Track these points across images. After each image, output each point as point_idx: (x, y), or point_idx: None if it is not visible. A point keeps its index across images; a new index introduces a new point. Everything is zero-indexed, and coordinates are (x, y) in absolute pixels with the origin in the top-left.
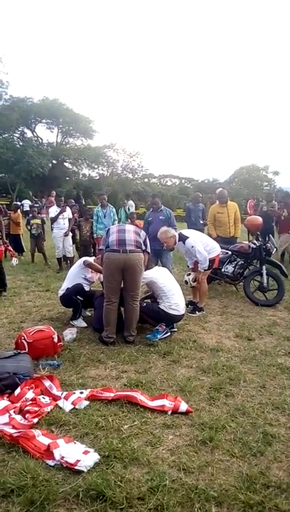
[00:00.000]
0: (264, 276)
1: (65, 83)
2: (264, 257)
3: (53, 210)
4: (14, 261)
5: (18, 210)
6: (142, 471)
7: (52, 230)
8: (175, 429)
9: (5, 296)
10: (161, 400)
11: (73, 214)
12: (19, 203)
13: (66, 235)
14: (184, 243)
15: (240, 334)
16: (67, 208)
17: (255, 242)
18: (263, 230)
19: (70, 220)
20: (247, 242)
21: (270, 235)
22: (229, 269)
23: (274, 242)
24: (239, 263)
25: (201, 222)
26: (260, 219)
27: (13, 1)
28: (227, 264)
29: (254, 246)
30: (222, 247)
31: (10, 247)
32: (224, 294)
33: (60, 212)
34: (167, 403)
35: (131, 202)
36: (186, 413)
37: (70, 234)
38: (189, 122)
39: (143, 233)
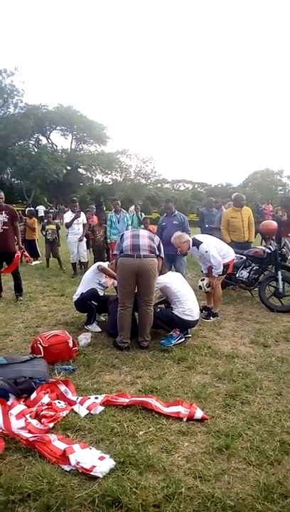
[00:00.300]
0: (280, 282)
1: (79, 90)
2: (280, 262)
3: (68, 216)
4: (34, 262)
5: (33, 216)
6: (158, 478)
7: (67, 235)
8: (190, 436)
9: (21, 300)
10: (176, 407)
11: (88, 219)
12: (34, 209)
13: (80, 240)
14: (198, 248)
15: (256, 340)
16: (82, 214)
17: (270, 247)
18: (278, 234)
19: (84, 225)
20: (262, 247)
21: (286, 240)
22: (243, 274)
23: None
24: (254, 268)
25: (206, 226)
26: (275, 223)
27: (28, 11)
28: (242, 269)
29: (269, 251)
30: (236, 252)
31: (26, 253)
32: (239, 300)
33: (75, 218)
34: (182, 410)
35: (132, 208)
36: (202, 420)
37: (85, 239)
38: (202, 127)
39: (157, 238)
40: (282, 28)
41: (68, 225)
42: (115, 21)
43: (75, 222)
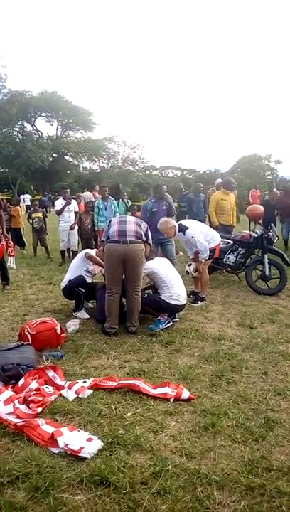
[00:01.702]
0: (266, 265)
1: (64, 75)
2: (266, 245)
3: (59, 203)
4: (11, 262)
5: (18, 204)
6: (145, 456)
7: (58, 222)
8: (177, 416)
9: (8, 289)
10: (164, 388)
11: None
12: (20, 198)
13: (72, 228)
14: (184, 233)
15: (242, 323)
16: (73, 201)
17: (256, 231)
18: (264, 219)
19: (75, 213)
20: (249, 232)
21: (272, 224)
22: (231, 258)
23: (276, 230)
24: (241, 252)
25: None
26: (261, 208)
27: None
28: (229, 253)
29: (256, 235)
30: (223, 237)
31: (10, 243)
32: (226, 284)
33: (66, 205)
34: (169, 391)
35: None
36: (188, 400)
37: (76, 227)
38: (190, 113)
39: (144, 224)
40: (271, 16)
41: (59, 213)
42: (100, 3)
43: (66, 209)
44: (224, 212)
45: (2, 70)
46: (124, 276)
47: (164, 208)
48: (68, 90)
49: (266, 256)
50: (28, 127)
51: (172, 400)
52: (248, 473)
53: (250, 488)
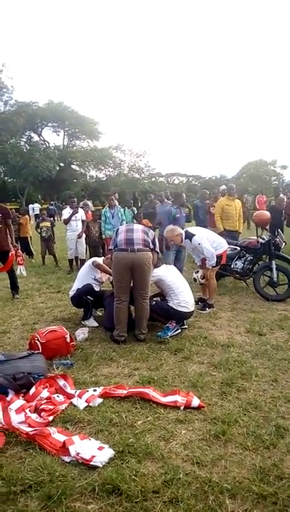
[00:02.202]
0: (274, 271)
1: (69, 86)
2: (274, 251)
3: (66, 212)
4: (21, 270)
5: (27, 214)
6: (156, 465)
7: (66, 231)
8: (187, 424)
9: (17, 298)
10: (173, 396)
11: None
12: (29, 207)
13: (79, 236)
14: (191, 241)
15: (251, 329)
16: (80, 210)
17: (264, 237)
18: (272, 224)
19: (83, 221)
20: (256, 238)
21: (279, 230)
22: (238, 265)
23: (283, 236)
24: (249, 259)
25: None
26: (268, 214)
27: (15, 6)
28: (237, 260)
29: (263, 241)
30: (230, 243)
31: (20, 252)
32: (234, 290)
33: (73, 214)
34: (179, 399)
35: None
36: (198, 408)
37: (84, 235)
38: (195, 120)
39: (151, 232)
40: (274, 19)
41: (66, 221)
42: (104, 14)
43: (73, 218)
44: (230, 218)
45: (9, 81)
46: (132, 284)
47: (184, 214)
48: (74, 100)
49: (273, 262)
50: (35, 137)
51: (182, 408)
52: (260, 482)
53: (262, 496)
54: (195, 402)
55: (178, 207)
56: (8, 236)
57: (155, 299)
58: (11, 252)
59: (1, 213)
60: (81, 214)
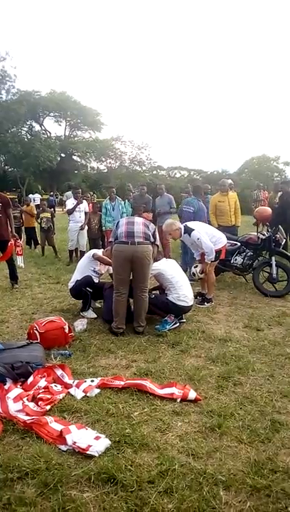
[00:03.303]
0: (274, 267)
1: (72, 75)
2: (274, 247)
3: (70, 203)
4: (20, 261)
5: (31, 203)
6: (152, 456)
7: (69, 222)
8: (184, 416)
9: (16, 288)
10: (170, 388)
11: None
12: (31, 196)
13: (82, 228)
14: (189, 235)
15: (249, 325)
16: (84, 201)
17: (264, 232)
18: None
19: (86, 213)
20: (256, 233)
21: (280, 226)
22: (238, 260)
23: (284, 232)
24: (248, 254)
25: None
26: (269, 210)
27: None
28: (236, 255)
29: (263, 237)
30: (230, 238)
31: (19, 242)
32: (233, 286)
33: (77, 204)
34: (176, 391)
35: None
36: (195, 401)
37: (86, 227)
38: (198, 113)
39: (152, 226)
40: (277, 16)
41: (70, 212)
42: (108, 4)
43: (77, 209)
44: (223, 214)
45: (12, 70)
46: (131, 277)
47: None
48: (77, 90)
49: (273, 258)
50: (37, 127)
51: (179, 400)
52: (254, 474)
53: (256, 489)
54: (192, 394)
55: (197, 199)
56: (8, 226)
57: (154, 292)
58: (10, 242)
59: (1, 203)
60: (84, 205)
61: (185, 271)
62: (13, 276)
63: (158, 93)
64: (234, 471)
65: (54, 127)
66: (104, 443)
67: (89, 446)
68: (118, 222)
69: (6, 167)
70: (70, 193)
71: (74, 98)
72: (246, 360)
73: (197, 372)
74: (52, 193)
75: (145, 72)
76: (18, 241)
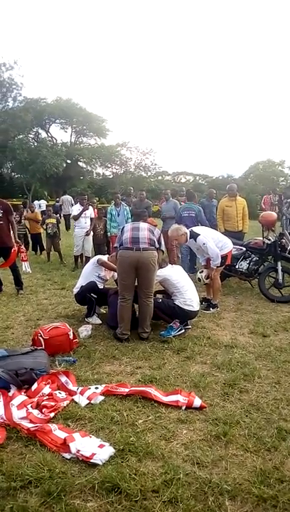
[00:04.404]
0: (280, 273)
1: (78, 83)
2: (279, 253)
3: (76, 209)
4: (25, 266)
5: (36, 210)
6: (156, 464)
7: (74, 228)
8: (189, 424)
9: (22, 294)
10: (175, 396)
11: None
12: (37, 203)
13: (87, 234)
14: (195, 240)
15: (255, 331)
16: (90, 207)
17: (270, 238)
18: None
19: (91, 219)
20: (262, 239)
21: (286, 231)
22: (243, 265)
23: (289, 237)
24: (254, 259)
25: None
26: (275, 214)
27: (26, 4)
28: (242, 260)
29: (269, 242)
30: (235, 243)
31: (23, 248)
32: (238, 291)
33: (83, 211)
34: (181, 398)
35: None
36: (200, 408)
37: (92, 233)
38: (203, 118)
39: (157, 231)
40: (281, 19)
41: (76, 218)
42: (113, 12)
43: (82, 215)
44: (230, 219)
45: (19, 78)
46: (136, 283)
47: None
48: (82, 97)
49: (279, 263)
50: (43, 134)
51: (183, 407)
52: (260, 484)
53: (262, 499)
54: (197, 402)
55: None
56: (11, 232)
57: (159, 295)
58: (13, 249)
59: (2, 209)
60: (90, 211)
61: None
62: (18, 282)
63: (163, 99)
64: (239, 481)
65: (60, 134)
66: (108, 451)
67: (93, 454)
68: (123, 228)
69: (13, 173)
70: (66, 197)
71: (79, 105)
72: (252, 366)
73: (203, 379)
74: (58, 199)
75: (150, 79)
76: (22, 247)
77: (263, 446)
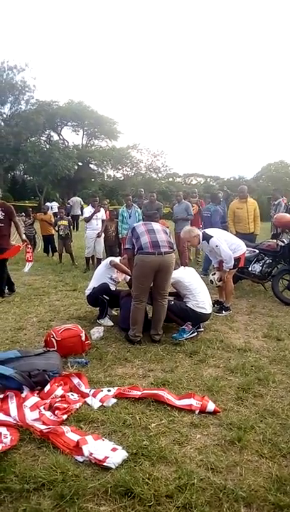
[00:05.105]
0: None
1: (90, 85)
2: None
3: (88, 211)
4: (27, 267)
5: (49, 211)
6: (170, 469)
7: (86, 230)
8: (202, 429)
9: (8, 295)
10: (188, 399)
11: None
12: (49, 205)
13: (99, 236)
14: (208, 242)
15: (269, 334)
16: (101, 209)
17: (284, 240)
18: None
19: (103, 221)
20: (275, 241)
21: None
22: (256, 268)
23: None
24: (267, 262)
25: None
26: (288, 216)
27: (38, 7)
28: (255, 262)
29: (283, 244)
30: (248, 246)
31: (30, 248)
32: (251, 294)
33: (94, 213)
34: (194, 402)
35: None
36: (214, 413)
37: (103, 235)
38: (214, 119)
39: (168, 231)
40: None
41: (87, 220)
42: (125, 16)
43: (94, 217)
44: (241, 221)
45: (31, 81)
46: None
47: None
48: (94, 100)
49: None
50: (55, 136)
51: (197, 412)
52: (276, 491)
53: (279, 507)
54: (211, 406)
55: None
56: (9, 236)
57: (170, 298)
58: (17, 244)
59: (4, 212)
60: (102, 213)
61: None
62: (9, 284)
63: (174, 101)
64: (255, 487)
65: (72, 136)
66: (121, 455)
67: (106, 457)
68: (134, 229)
69: (25, 176)
70: (75, 198)
71: (91, 108)
72: (266, 371)
73: (216, 382)
74: (69, 201)
75: (161, 81)
76: (29, 246)
77: (278, 453)
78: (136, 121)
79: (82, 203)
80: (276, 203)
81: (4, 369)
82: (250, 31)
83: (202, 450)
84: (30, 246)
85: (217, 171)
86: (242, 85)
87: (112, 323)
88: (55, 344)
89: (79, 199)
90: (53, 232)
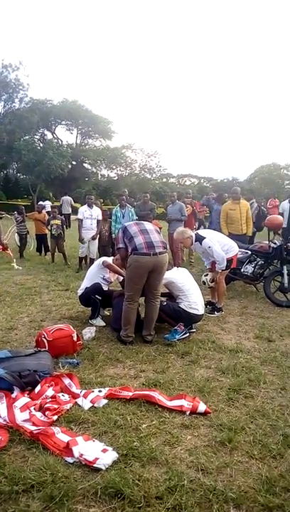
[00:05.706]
0: (285, 277)
1: (84, 84)
2: (285, 256)
3: (83, 210)
4: (15, 264)
5: (43, 211)
6: (160, 470)
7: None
8: (193, 430)
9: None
10: (179, 400)
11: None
12: (43, 204)
13: (94, 238)
14: (201, 243)
15: (260, 335)
16: (97, 209)
17: (276, 241)
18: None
19: (98, 221)
20: (268, 242)
21: None
22: (248, 269)
23: None
24: (259, 263)
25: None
26: (281, 218)
27: (32, 5)
28: (247, 264)
29: (275, 246)
30: (241, 247)
31: (9, 251)
32: (243, 295)
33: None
34: (185, 403)
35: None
36: (205, 414)
37: (98, 237)
38: (208, 121)
39: (159, 231)
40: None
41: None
42: (120, 15)
43: (88, 217)
44: (234, 222)
45: (25, 79)
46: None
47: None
48: (88, 99)
49: (285, 267)
50: (49, 135)
51: (188, 413)
52: (266, 492)
53: (268, 508)
54: (202, 407)
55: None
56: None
57: (163, 298)
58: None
59: None
60: (98, 212)
61: None
62: None
63: (168, 101)
64: (245, 488)
65: (66, 135)
66: (111, 456)
67: (96, 458)
68: (126, 228)
69: (18, 174)
70: (66, 197)
71: (85, 107)
72: (257, 372)
73: (207, 383)
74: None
75: (155, 82)
76: (8, 250)
77: (268, 454)
78: (130, 121)
79: (73, 202)
80: (251, 202)
81: None
82: (247, 33)
83: (192, 451)
84: (8, 251)
85: (210, 172)
86: (237, 88)
87: (104, 324)
88: (47, 344)
89: (69, 198)
90: (47, 231)
